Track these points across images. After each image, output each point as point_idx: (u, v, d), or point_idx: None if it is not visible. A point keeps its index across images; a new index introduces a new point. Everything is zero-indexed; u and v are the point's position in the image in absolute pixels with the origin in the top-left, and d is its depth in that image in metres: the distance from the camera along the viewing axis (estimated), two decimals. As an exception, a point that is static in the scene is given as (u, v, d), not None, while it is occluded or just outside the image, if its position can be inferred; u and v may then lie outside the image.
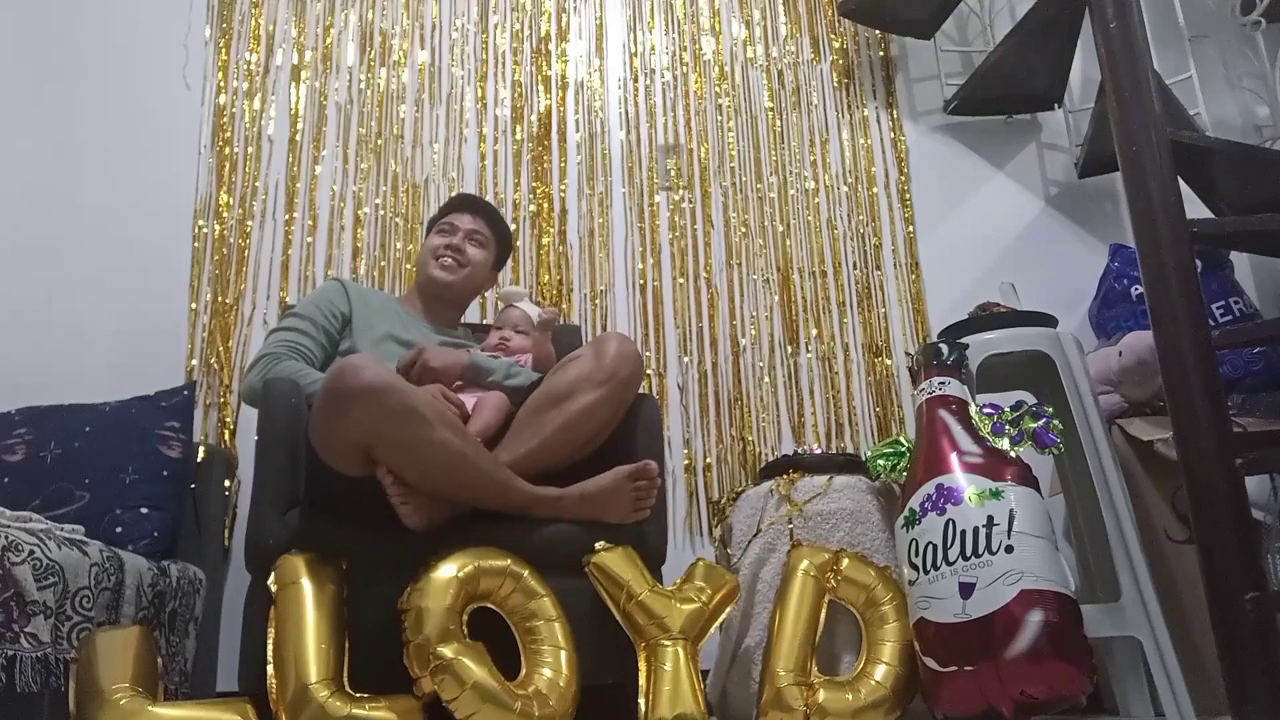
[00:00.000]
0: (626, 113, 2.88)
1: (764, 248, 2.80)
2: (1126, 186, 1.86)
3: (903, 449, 1.95)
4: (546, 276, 2.70)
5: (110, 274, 2.57)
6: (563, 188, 2.79)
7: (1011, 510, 1.67)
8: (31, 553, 1.41)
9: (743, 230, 2.81)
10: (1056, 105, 2.95)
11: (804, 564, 1.81)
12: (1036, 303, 2.23)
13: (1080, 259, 2.82)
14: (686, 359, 2.68)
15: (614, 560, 1.62)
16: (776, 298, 2.76)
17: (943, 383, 1.87)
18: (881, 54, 3.05)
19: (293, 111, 2.78)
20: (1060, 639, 1.58)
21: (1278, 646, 1.55)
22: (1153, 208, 1.79)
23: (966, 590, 1.63)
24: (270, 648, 1.41)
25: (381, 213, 2.71)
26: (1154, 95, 1.86)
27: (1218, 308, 2.42)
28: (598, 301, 2.70)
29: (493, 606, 1.52)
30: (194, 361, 2.52)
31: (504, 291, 2.16)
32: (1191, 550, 1.69)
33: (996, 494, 1.69)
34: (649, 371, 2.63)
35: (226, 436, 2.46)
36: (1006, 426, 1.82)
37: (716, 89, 2.94)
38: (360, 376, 1.50)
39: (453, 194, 2.57)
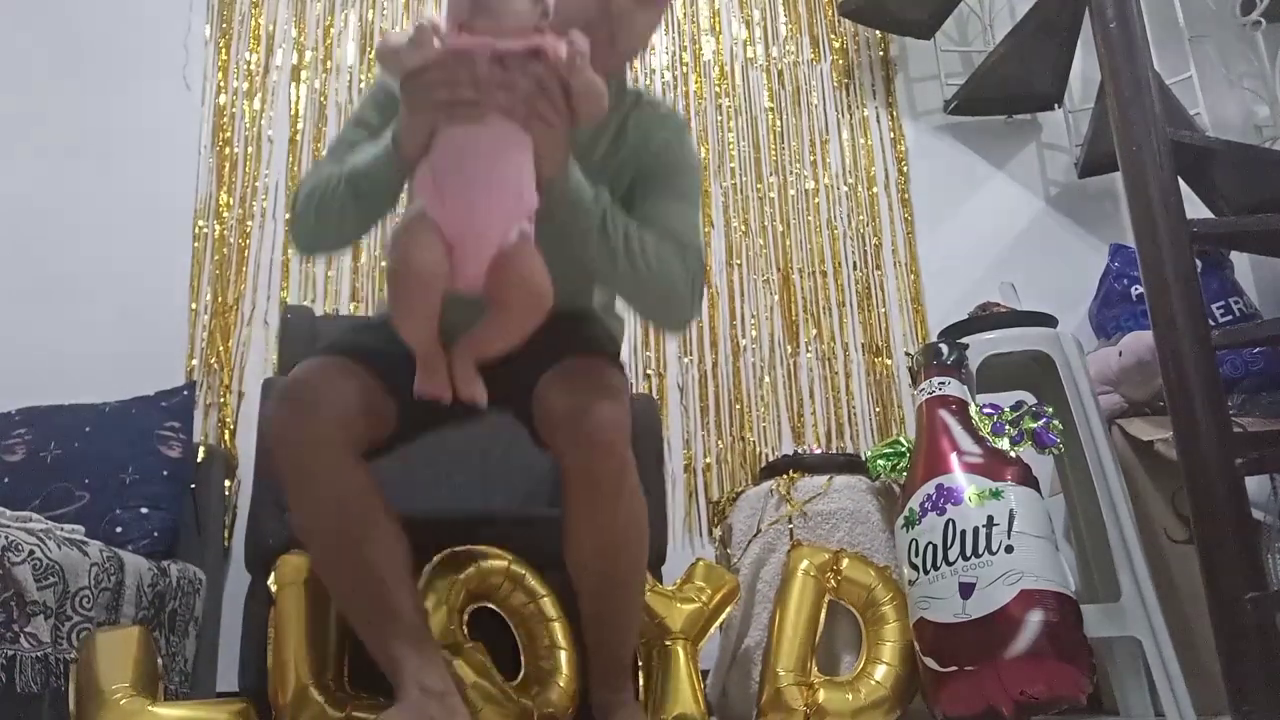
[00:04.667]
0: (626, 113, 2.88)
1: (764, 248, 2.80)
2: (1126, 186, 1.86)
3: (903, 449, 1.95)
4: (546, 276, 2.69)
5: (110, 274, 2.56)
6: (563, 188, 2.79)
7: (1011, 510, 1.67)
8: (31, 553, 1.41)
9: (743, 230, 2.81)
10: (1056, 105, 2.95)
11: (804, 564, 1.81)
12: (1036, 303, 2.23)
13: (1080, 259, 2.81)
14: (686, 359, 2.67)
15: (614, 560, 1.62)
16: (776, 298, 2.76)
17: (943, 383, 1.87)
18: (881, 54, 3.05)
19: (293, 111, 2.77)
20: (1060, 639, 1.58)
21: (1278, 646, 1.55)
22: (1153, 208, 1.79)
23: (966, 590, 1.63)
24: (270, 648, 1.41)
25: (381, 213, 2.71)
26: (1154, 95, 1.86)
27: (1218, 308, 2.42)
28: (598, 301, 2.69)
29: (493, 606, 1.52)
30: (194, 361, 2.52)
31: None
32: (1191, 550, 1.69)
33: (996, 494, 1.69)
34: (649, 371, 2.63)
35: (226, 436, 2.46)
36: (1006, 426, 1.82)
37: (716, 89, 2.94)
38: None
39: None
